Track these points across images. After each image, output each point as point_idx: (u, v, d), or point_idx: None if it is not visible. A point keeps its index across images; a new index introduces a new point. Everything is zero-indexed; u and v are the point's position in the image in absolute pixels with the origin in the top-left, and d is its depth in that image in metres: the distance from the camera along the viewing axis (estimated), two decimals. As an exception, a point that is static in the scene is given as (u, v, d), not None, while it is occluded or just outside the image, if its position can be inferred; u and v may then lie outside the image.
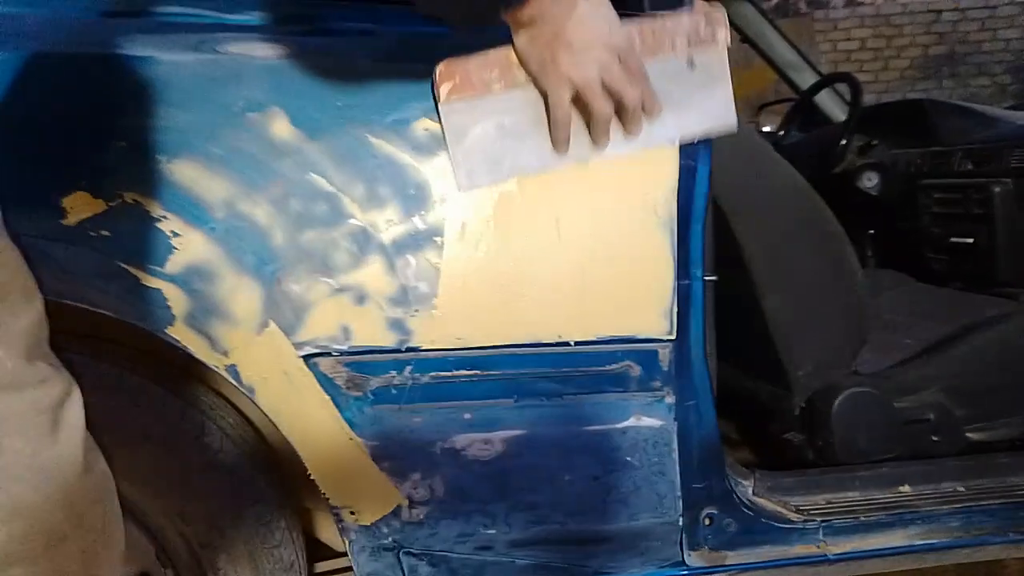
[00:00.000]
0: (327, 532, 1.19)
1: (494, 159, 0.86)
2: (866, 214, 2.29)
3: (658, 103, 0.85)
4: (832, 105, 2.50)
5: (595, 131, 0.84)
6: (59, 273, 0.83)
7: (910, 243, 2.21)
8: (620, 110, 0.83)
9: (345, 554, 1.19)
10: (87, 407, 0.84)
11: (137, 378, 0.92)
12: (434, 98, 0.85)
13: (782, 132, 2.55)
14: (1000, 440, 1.41)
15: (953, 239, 2.04)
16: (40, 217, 0.82)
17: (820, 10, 8.69)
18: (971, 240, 1.97)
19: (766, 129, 3.04)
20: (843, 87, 2.40)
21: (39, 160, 0.83)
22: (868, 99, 2.36)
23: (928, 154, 2.11)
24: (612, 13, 0.80)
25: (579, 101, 0.81)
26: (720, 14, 0.86)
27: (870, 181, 2.18)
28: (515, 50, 0.81)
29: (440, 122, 0.85)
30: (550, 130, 0.84)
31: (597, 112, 0.82)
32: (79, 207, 0.83)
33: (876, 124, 2.26)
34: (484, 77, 0.82)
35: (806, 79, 2.53)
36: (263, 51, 0.88)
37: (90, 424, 0.65)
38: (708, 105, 0.89)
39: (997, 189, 1.88)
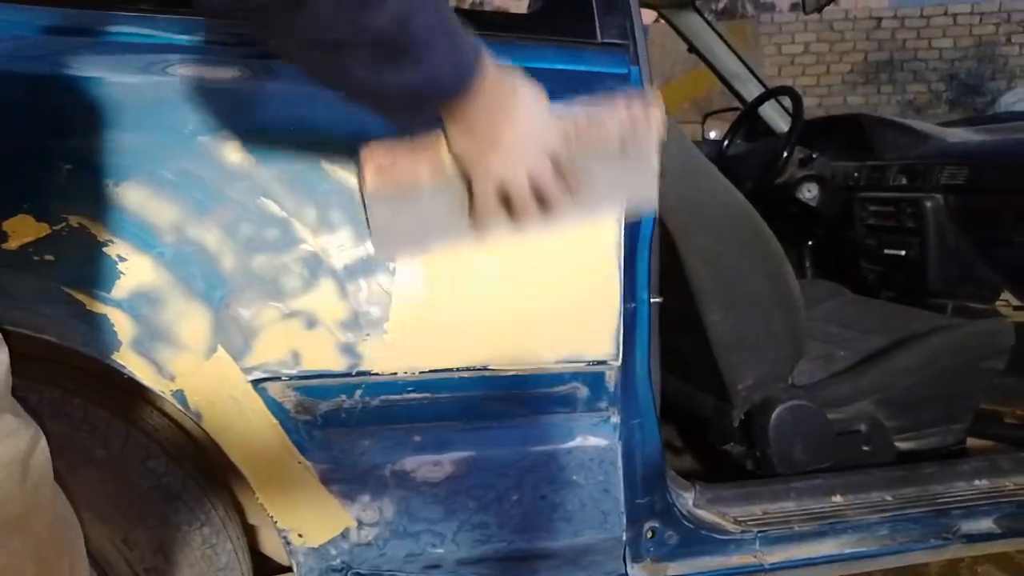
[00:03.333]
0: (271, 546, 1.19)
1: (416, 238, 0.85)
2: (805, 224, 2.36)
3: (582, 191, 0.83)
4: (775, 116, 2.57)
5: (517, 222, 0.83)
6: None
7: (846, 254, 2.29)
8: (543, 204, 0.82)
9: (290, 568, 1.20)
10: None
11: (80, 401, 0.91)
12: (359, 181, 0.81)
13: (727, 142, 2.61)
14: (927, 449, 1.48)
15: (887, 251, 2.12)
16: (-20, 240, 0.81)
17: (766, 13, 8.86)
18: (903, 252, 2.06)
19: (712, 135, 3.11)
20: (785, 98, 2.47)
21: (-20, 182, 0.81)
22: (811, 102, 2.46)
23: (865, 168, 2.19)
24: (549, 113, 0.78)
25: (505, 194, 0.80)
26: (659, 109, 0.84)
27: (809, 192, 2.25)
28: (446, 140, 0.77)
29: (363, 205, 0.82)
30: (473, 219, 0.82)
31: (522, 210, 0.80)
32: (22, 231, 0.81)
33: (817, 137, 2.34)
34: (412, 166, 0.78)
35: (750, 89, 2.60)
36: (214, 73, 0.87)
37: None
38: (632, 187, 0.88)
39: (928, 204, 1.96)
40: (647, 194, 0.88)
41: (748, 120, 2.60)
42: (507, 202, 0.80)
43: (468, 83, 0.70)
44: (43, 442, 0.63)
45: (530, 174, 0.78)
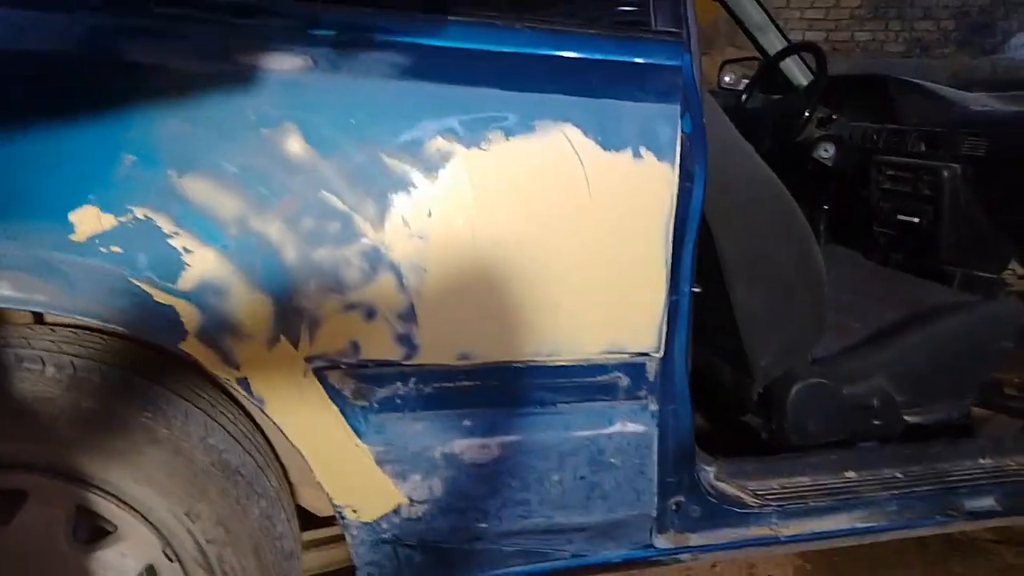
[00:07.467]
0: (310, 498, 1.23)
1: None
2: (820, 184, 2.37)
3: None
4: (795, 70, 2.53)
5: None
6: (67, 289, 0.83)
7: (859, 215, 2.30)
8: None
9: (327, 522, 1.25)
10: (99, 411, 0.85)
11: (142, 380, 0.93)
12: None
13: (745, 96, 2.58)
14: (934, 423, 1.54)
15: (900, 216, 2.13)
16: (48, 231, 0.81)
17: (778, -58, 8.55)
18: (916, 219, 2.07)
19: (726, 79, 3.06)
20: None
21: (47, 172, 0.81)
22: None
23: (884, 131, 2.18)
24: None
25: None
26: None
27: (826, 152, 2.24)
28: None
29: None
30: None
31: None
32: (88, 222, 0.82)
33: (836, 95, 2.32)
34: None
35: (772, 40, 2.56)
36: (277, 64, 0.86)
37: None
38: None
39: (946, 173, 1.97)
40: None
41: (768, 73, 2.56)
42: None
43: None
44: None
45: None
